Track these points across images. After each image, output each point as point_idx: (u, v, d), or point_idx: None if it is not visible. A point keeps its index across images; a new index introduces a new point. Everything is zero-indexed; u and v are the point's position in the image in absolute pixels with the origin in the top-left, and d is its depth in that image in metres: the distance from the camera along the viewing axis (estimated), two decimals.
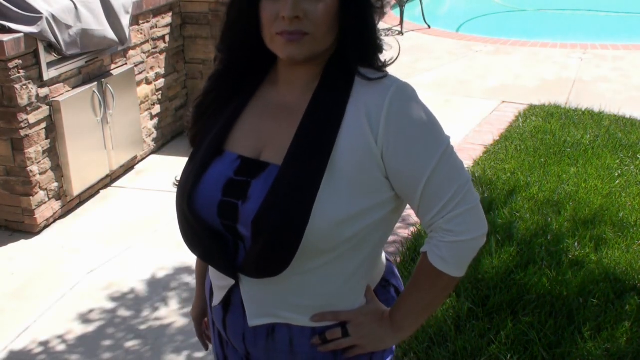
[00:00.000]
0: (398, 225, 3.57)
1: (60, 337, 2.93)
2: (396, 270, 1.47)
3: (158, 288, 3.27)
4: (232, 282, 1.30)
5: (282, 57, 1.20)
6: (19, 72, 3.48)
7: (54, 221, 3.91)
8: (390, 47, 1.28)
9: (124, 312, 3.10)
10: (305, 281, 1.24)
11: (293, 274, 1.21)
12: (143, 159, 4.75)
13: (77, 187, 3.98)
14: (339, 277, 1.25)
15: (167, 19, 4.83)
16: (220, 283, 1.34)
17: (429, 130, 1.20)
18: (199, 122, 1.34)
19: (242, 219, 1.21)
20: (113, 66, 4.27)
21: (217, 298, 1.36)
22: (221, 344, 1.46)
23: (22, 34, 3.44)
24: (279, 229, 1.16)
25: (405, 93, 1.20)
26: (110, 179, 4.37)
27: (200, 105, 1.34)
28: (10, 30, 3.42)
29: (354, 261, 1.25)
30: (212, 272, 1.37)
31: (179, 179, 1.39)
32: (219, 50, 1.30)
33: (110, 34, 4.03)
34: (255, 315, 1.30)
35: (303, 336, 1.30)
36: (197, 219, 1.26)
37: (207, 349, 1.67)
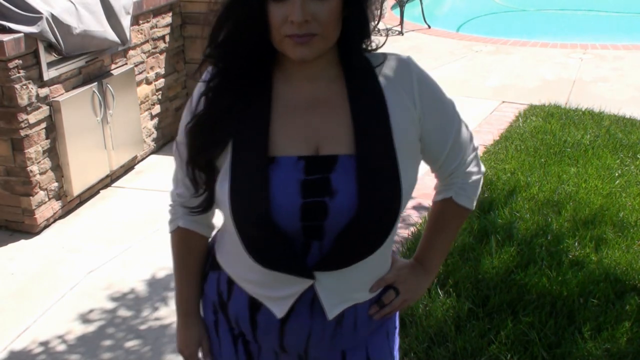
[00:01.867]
0: (398, 225, 3.56)
1: (60, 337, 2.94)
2: None
3: (158, 288, 3.27)
4: (303, 286, 1.29)
5: (293, 58, 1.20)
6: (19, 72, 3.48)
7: (54, 221, 3.91)
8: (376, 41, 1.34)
9: (124, 312, 3.10)
10: (376, 257, 1.32)
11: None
12: (143, 159, 4.75)
13: (77, 187, 3.98)
14: (390, 245, 1.38)
15: (167, 19, 4.83)
16: (283, 293, 1.31)
17: (444, 92, 1.37)
18: (206, 140, 1.26)
19: (332, 214, 1.22)
20: (113, 66, 4.27)
21: (281, 310, 1.32)
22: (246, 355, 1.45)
23: (22, 34, 3.43)
24: (382, 213, 1.24)
25: (415, 63, 1.33)
26: (110, 179, 4.37)
27: (202, 124, 1.26)
28: (10, 30, 3.42)
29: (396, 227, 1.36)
30: (269, 285, 1.32)
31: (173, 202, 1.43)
32: (217, 58, 1.25)
33: (111, 35, 4.03)
34: (333, 306, 1.33)
35: (364, 311, 1.38)
36: (275, 230, 1.22)
37: None
